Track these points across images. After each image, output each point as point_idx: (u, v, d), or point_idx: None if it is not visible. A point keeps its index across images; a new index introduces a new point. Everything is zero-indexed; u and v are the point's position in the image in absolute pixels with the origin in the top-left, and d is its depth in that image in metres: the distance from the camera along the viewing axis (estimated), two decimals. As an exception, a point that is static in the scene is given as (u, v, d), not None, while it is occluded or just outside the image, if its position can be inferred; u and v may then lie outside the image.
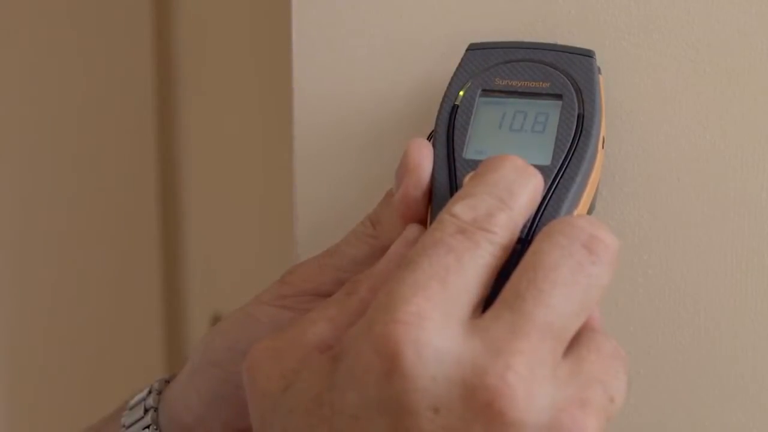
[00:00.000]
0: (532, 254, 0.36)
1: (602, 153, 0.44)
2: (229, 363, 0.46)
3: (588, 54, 0.45)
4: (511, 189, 0.38)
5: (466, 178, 0.40)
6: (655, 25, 0.47)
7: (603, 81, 0.45)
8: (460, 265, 0.36)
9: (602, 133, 0.44)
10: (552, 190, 0.42)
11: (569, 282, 0.35)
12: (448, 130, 0.44)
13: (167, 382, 0.51)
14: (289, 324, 0.39)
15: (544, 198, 0.41)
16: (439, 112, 0.45)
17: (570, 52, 0.45)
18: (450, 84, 0.45)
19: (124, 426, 0.50)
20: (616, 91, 0.48)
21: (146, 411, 0.49)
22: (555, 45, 0.46)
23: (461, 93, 0.45)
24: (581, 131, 0.43)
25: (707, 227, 0.48)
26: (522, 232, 0.40)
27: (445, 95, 0.45)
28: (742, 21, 0.46)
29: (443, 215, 0.37)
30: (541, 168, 0.41)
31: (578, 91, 0.44)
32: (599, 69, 0.45)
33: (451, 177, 0.43)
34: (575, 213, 0.42)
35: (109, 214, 1.16)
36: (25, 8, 1.16)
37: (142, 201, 1.19)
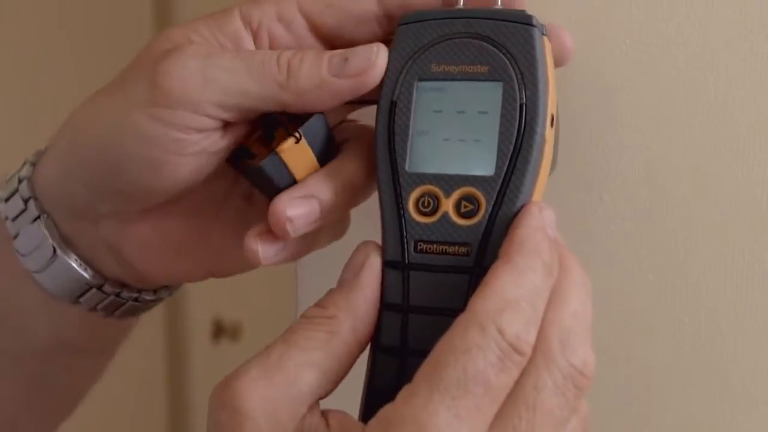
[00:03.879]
0: (533, 389, 0.37)
1: (552, 132, 0.42)
2: (100, 169, 0.45)
3: (527, 21, 0.42)
4: (542, 298, 0.39)
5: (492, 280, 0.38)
6: (655, 30, 0.47)
7: (548, 46, 0.43)
8: (493, 406, 0.37)
9: (550, 111, 0.42)
10: (498, 205, 0.41)
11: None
12: (389, 134, 0.42)
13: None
14: (276, 361, 0.39)
15: (491, 215, 0.41)
16: (378, 109, 0.43)
17: (508, 20, 0.42)
18: (386, 71, 0.43)
19: (2, 199, 0.49)
20: (616, 97, 0.47)
21: (20, 181, 0.49)
22: (491, 11, 0.43)
23: (398, 86, 0.43)
24: (524, 126, 0.41)
25: (708, 233, 0.48)
26: (468, 255, 0.40)
27: (383, 87, 0.43)
28: (743, 26, 0.46)
29: (488, 324, 0.37)
30: (484, 179, 0.41)
31: (519, 74, 0.41)
32: (543, 29, 0.42)
33: (396, 195, 0.42)
34: None
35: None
36: (25, 8, 1.16)
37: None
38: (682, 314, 0.48)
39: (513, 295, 0.37)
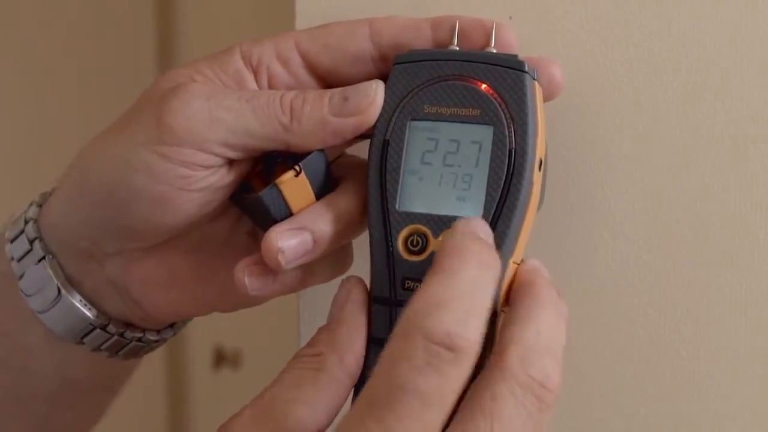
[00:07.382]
0: (490, 400, 0.37)
1: (539, 175, 0.43)
2: (108, 207, 0.46)
3: (519, 68, 0.43)
4: (480, 291, 0.38)
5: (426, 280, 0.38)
6: (653, 67, 0.47)
7: (539, 90, 0.43)
8: (431, 411, 0.36)
9: (538, 156, 0.43)
10: None
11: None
12: (381, 172, 0.43)
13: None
14: (267, 401, 0.40)
15: None
16: (371, 147, 0.44)
17: (501, 65, 0.43)
18: (381, 110, 0.44)
19: (8, 240, 0.49)
20: (616, 135, 0.48)
21: (26, 222, 0.49)
22: (485, 55, 0.44)
23: (391, 125, 0.43)
24: (513, 171, 0.42)
25: (707, 269, 0.48)
26: None
27: (377, 125, 0.44)
28: (741, 66, 0.46)
29: (411, 330, 0.37)
30: None
31: (510, 119, 0.42)
32: (535, 74, 0.43)
33: (386, 233, 0.43)
34: (511, 261, 0.42)
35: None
36: (28, 8, 1.16)
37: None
38: (681, 349, 0.49)
39: (440, 296, 0.37)
